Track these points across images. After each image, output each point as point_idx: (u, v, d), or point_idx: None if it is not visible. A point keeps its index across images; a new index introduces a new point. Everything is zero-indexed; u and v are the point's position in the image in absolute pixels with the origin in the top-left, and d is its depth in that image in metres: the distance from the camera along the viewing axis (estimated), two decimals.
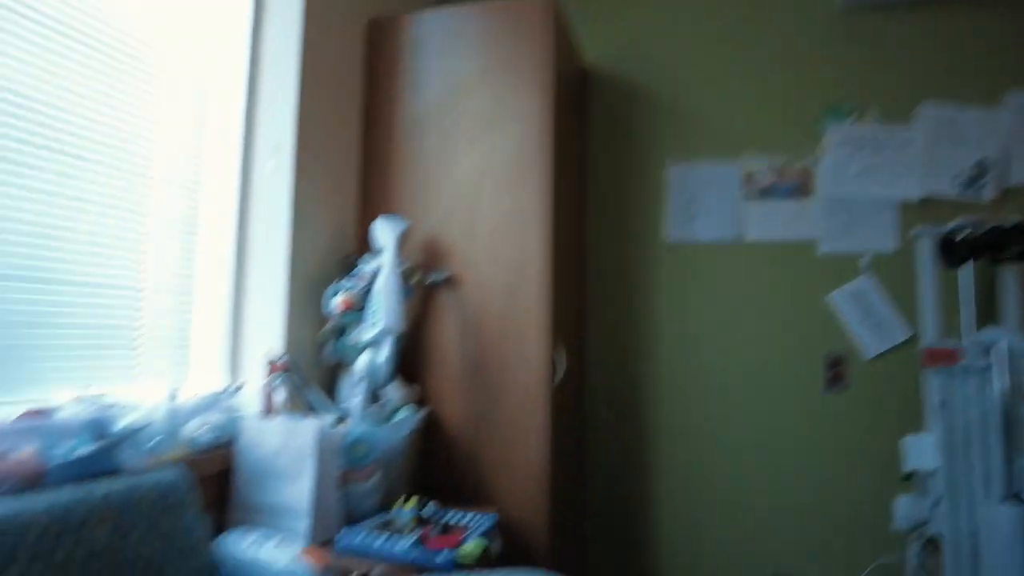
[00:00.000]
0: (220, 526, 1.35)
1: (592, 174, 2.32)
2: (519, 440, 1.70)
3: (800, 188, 2.12)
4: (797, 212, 2.12)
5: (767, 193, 2.14)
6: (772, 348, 2.07)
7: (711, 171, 2.19)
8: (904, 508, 1.79)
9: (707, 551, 2.03)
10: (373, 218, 1.77)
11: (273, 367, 1.48)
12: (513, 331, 1.73)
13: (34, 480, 1.01)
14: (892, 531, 1.87)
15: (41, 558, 0.91)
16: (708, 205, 2.18)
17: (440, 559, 1.20)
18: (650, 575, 2.07)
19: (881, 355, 1.99)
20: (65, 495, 0.99)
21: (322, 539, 1.33)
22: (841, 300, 2.05)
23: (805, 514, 1.98)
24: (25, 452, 1.05)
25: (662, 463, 2.11)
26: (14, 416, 1.08)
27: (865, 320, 2.03)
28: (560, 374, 1.79)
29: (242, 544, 1.19)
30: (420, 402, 1.75)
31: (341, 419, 1.52)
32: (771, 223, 2.14)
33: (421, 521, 1.40)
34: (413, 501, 1.42)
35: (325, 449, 1.34)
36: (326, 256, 1.77)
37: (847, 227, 2.07)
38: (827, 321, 2.04)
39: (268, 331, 1.59)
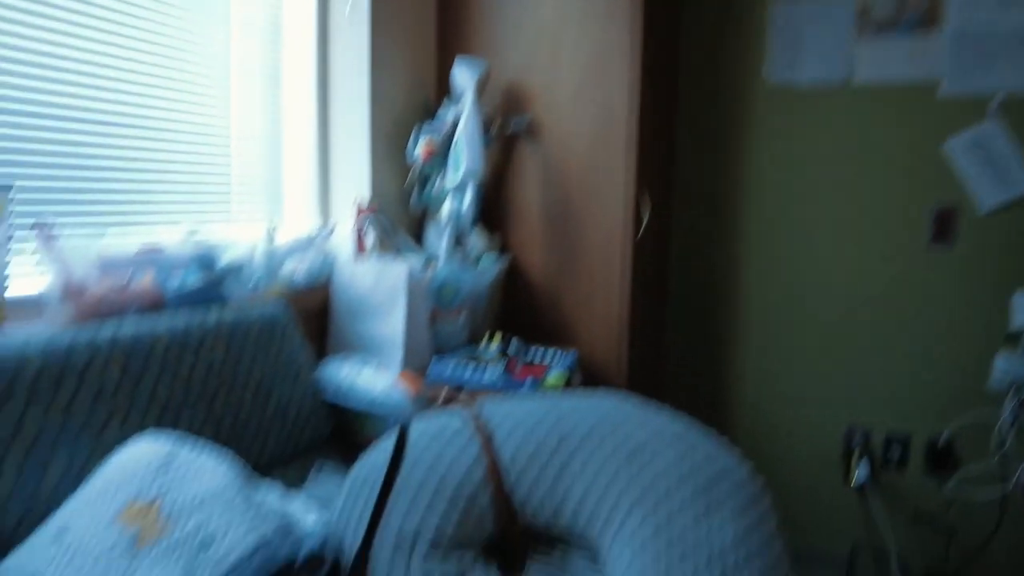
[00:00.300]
0: (320, 357, 1.46)
1: (687, 10, 2.13)
2: (599, 290, 1.71)
3: (924, 19, 1.88)
4: (918, 48, 1.88)
5: (884, 27, 1.91)
6: (875, 199, 1.93)
7: (820, 7, 1.96)
8: (1003, 366, 1.71)
9: (784, 402, 2.04)
10: (452, 63, 1.71)
11: (362, 210, 1.51)
12: (596, 181, 1.69)
13: (155, 305, 1.11)
14: (988, 389, 1.81)
15: (168, 370, 1.00)
16: (814, 44, 1.98)
17: (525, 387, 1.26)
18: (726, 425, 2.12)
19: (997, 209, 1.83)
20: (182, 319, 1.08)
21: (414, 370, 1.41)
22: (959, 147, 1.86)
23: (891, 370, 1.93)
24: (146, 280, 1.14)
25: (746, 316, 2.08)
26: (133, 249, 1.17)
27: (984, 170, 1.84)
28: (644, 225, 1.75)
29: (341, 371, 1.28)
30: (502, 251, 1.77)
31: (429, 263, 1.56)
32: (886, 62, 1.92)
33: (506, 356, 1.46)
34: (498, 338, 1.47)
35: (415, 289, 1.39)
36: (407, 103, 1.74)
37: (979, 63, 1.84)
38: (939, 171, 1.87)
39: (355, 177, 1.62)
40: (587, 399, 0.93)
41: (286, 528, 0.80)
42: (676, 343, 2.18)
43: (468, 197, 1.59)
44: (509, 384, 1.28)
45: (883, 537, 1.91)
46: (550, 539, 0.87)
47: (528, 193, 1.77)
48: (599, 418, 0.88)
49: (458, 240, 1.65)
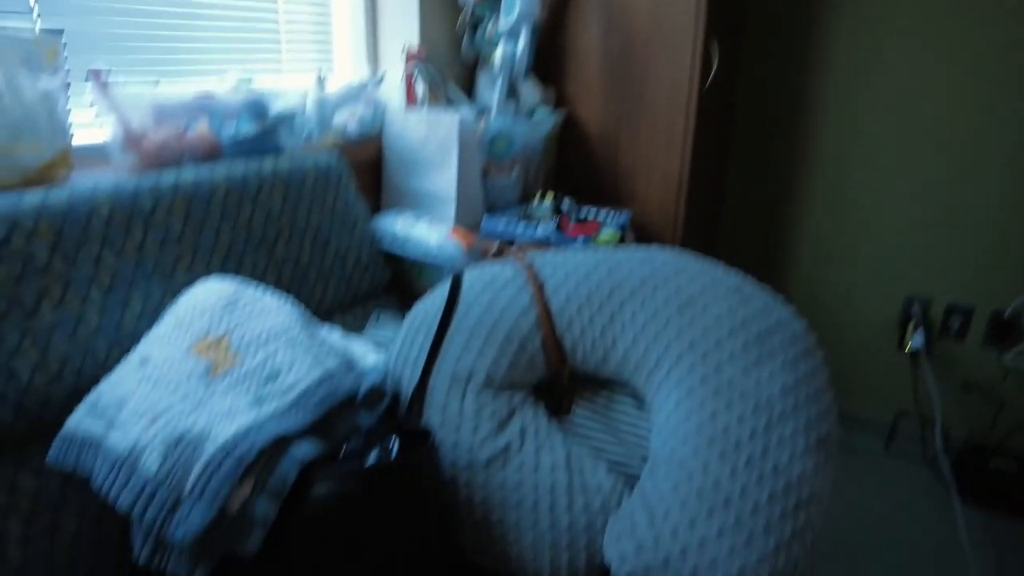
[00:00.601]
0: (374, 211, 1.47)
1: None
2: (659, 147, 1.63)
3: None
4: None
5: None
6: (950, 54, 1.73)
7: None
8: None
9: (843, 266, 1.98)
10: None
11: (410, 56, 1.45)
12: (663, 26, 1.55)
13: (211, 153, 1.12)
14: None
15: (229, 217, 1.03)
16: None
17: (577, 244, 1.26)
18: (780, 287, 2.08)
19: None
20: (239, 167, 1.08)
21: (467, 224, 1.42)
22: None
23: (957, 241, 1.83)
24: (201, 128, 1.14)
25: (810, 179, 1.98)
26: (186, 98, 1.16)
27: None
28: (712, 74, 1.63)
29: (396, 223, 1.29)
30: (557, 104, 1.70)
31: (481, 114, 1.51)
32: None
33: (558, 213, 1.44)
34: (550, 196, 1.45)
35: (467, 141, 1.36)
36: None
37: None
38: None
39: (404, 21, 1.54)
40: (641, 251, 0.91)
41: (348, 364, 0.84)
42: (734, 204, 2.11)
43: (522, 42, 1.50)
44: (561, 240, 1.27)
45: (930, 404, 1.91)
46: (598, 383, 0.90)
47: (587, 39, 1.65)
48: (652, 269, 0.87)
49: (511, 90, 1.58)
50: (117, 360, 0.85)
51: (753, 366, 0.77)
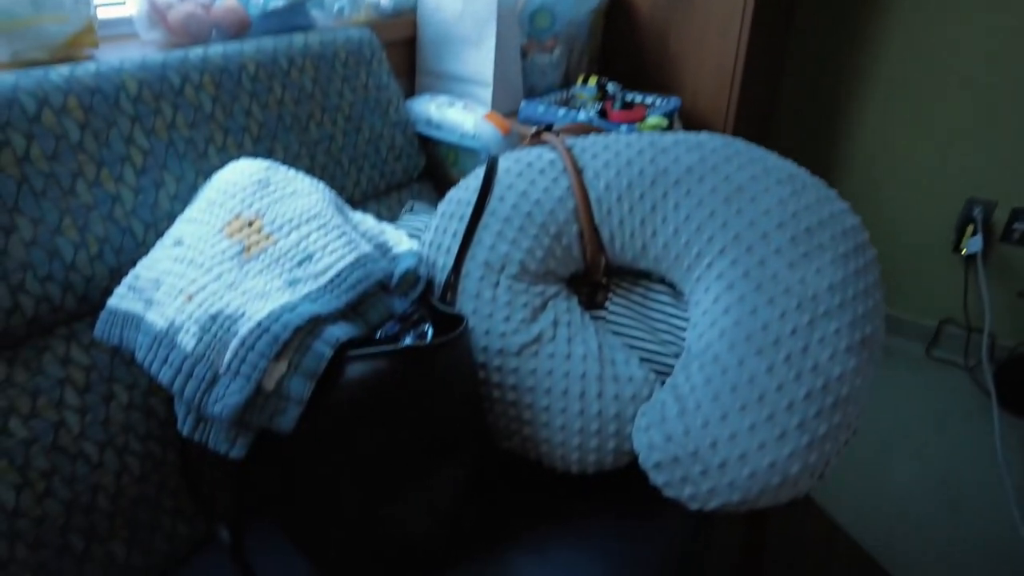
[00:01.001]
0: (408, 92, 1.42)
1: None
2: (714, 30, 1.51)
3: None
4: None
5: None
6: None
7: None
8: None
9: (902, 165, 1.86)
10: None
11: None
12: None
13: (241, 26, 1.07)
14: None
15: (260, 95, 1.00)
16: None
17: (622, 131, 1.19)
18: (832, 181, 1.98)
19: None
20: (269, 42, 1.04)
21: (504, 110, 1.36)
22: None
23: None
24: (230, 0, 1.09)
25: (874, 67, 1.82)
26: None
27: None
28: None
29: (430, 106, 1.24)
30: None
31: None
32: None
33: (603, 98, 1.36)
34: (594, 80, 1.37)
35: (506, 15, 1.27)
36: None
37: None
38: None
39: None
40: (689, 138, 0.86)
41: (382, 248, 0.84)
42: (789, 97, 1.97)
43: None
44: (604, 126, 1.21)
45: (980, 311, 1.84)
46: (635, 275, 0.88)
47: None
48: (700, 157, 0.82)
49: None
50: (154, 240, 0.85)
51: (800, 261, 0.73)
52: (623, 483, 0.83)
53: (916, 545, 1.38)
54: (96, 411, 0.78)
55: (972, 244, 1.75)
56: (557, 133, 0.92)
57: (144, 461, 0.81)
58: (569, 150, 0.87)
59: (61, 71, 0.80)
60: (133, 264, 0.83)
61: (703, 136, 0.86)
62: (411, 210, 1.13)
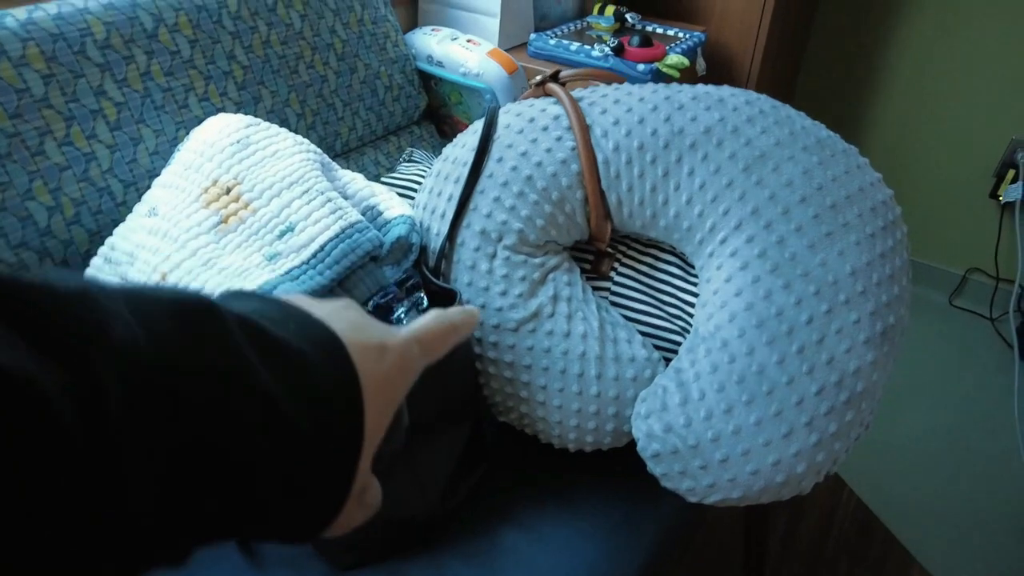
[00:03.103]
0: (409, 25, 1.32)
1: None
2: None
3: None
4: None
5: None
6: None
7: None
8: None
9: (941, 101, 1.72)
10: None
11: None
12: None
13: None
14: None
15: (244, 35, 0.92)
16: None
17: (638, 70, 1.10)
18: (866, 119, 1.85)
19: None
20: None
21: (512, 44, 1.26)
22: None
23: None
24: None
25: (910, 17, 1.66)
26: None
27: None
28: None
29: (431, 41, 1.15)
30: None
31: None
32: None
33: (620, 31, 1.25)
34: (611, 9, 1.25)
35: None
36: None
37: None
38: None
39: None
40: (711, 92, 0.77)
41: (372, 212, 0.78)
42: (824, 23, 1.82)
43: None
44: (618, 66, 1.11)
45: (1013, 261, 1.75)
46: (643, 243, 0.82)
47: None
48: (720, 117, 0.74)
49: None
50: (136, 201, 0.81)
51: (822, 241, 0.67)
52: (621, 458, 0.80)
53: (923, 499, 1.37)
54: None
55: (1011, 192, 1.65)
56: (563, 83, 0.84)
57: None
58: (576, 104, 0.79)
59: (17, 15, 0.73)
60: (113, 225, 0.79)
61: (725, 91, 0.78)
62: (410, 157, 1.07)
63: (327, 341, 0.28)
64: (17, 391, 0.17)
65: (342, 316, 0.30)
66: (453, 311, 0.37)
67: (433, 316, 0.36)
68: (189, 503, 0.22)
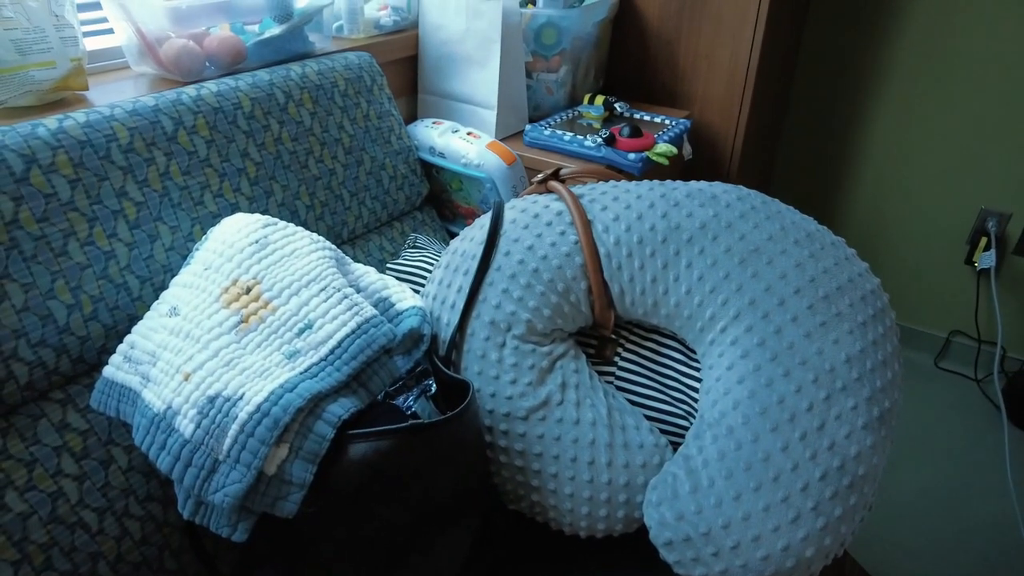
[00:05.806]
0: (410, 114, 1.38)
1: None
2: (725, 37, 1.46)
3: None
4: None
5: None
6: None
7: None
8: None
9: (914, 174, 1.82)
10: None
11: None
12: None
13: (236, 56, 1.03)
14: None
15: (256, 133, 0.96)
16: None
17: (629, 159, 1.16)
18: (843, 191, 1.94)
19: None
20: (264, 76, 1.00)
21: (508, 133, 1.32)
22: None
23: None
24: (223, 29, 1.05)
25: (884, 85, 1.77)
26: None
27: None
28: None
29: (433, 133, 1.21)
30: None
31: (526, 2, 1.36)
32: None
33: (610, 120, 1.32)
34: (601, 98, 1.33)
35: (511, 33, 1.23)
36: None
37: None
38: None
39: None
40: (704, 190, 0.82)
41: (385, 304, 0.81)
42: (800, 105, 1.93)
43: None
44: (611, 156, 1.17)
45: (992, 323, 1.82)
46: (646, 329, 0.85)
47: None
48: (715, 212, 0.79)
49: None
50: (151, 296, 0.83)
51: (817, 330, 0.71)
52: (632, 544, 0.81)
53: (919, 561, 1.37)
54: (95, 477, 0.76)
55: (985, 259, 1.72)
56: (563, 180, 0.89)
57: (145, 524, 0.79)
58: (577, 200, 0.84)
59: (48, 125, 0.77)
60: (129, 320, 0.81)
61: (717, 188, 0.83)
62: (414, 243, 1.11)
63: None
64: None
65: None
66: None
67: None
68: None
